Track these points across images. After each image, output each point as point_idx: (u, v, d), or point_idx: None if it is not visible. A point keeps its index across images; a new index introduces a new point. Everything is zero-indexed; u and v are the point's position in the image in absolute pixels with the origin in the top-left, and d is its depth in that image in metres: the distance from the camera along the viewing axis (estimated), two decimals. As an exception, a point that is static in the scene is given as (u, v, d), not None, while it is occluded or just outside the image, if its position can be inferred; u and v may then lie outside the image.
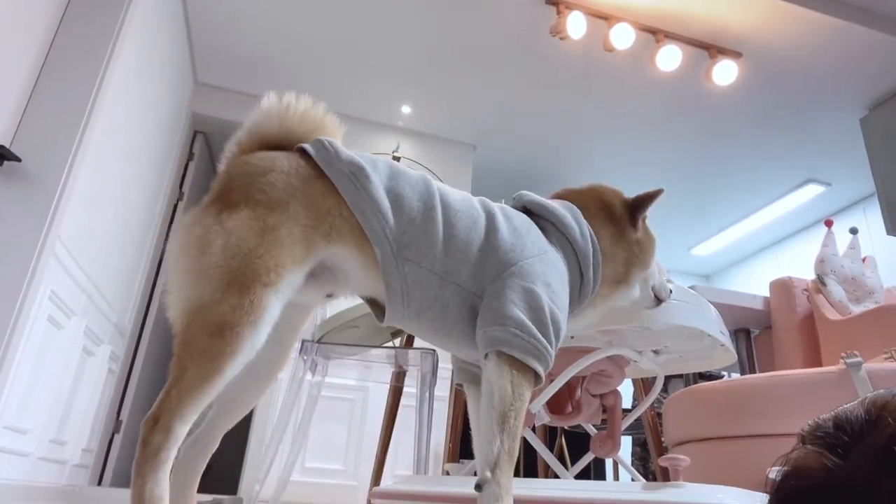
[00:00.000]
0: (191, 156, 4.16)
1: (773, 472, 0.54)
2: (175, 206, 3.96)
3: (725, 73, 3.53)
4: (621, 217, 1.12)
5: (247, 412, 1.01)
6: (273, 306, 0.85)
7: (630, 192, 1.18)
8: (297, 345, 2.30)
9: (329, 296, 1.01)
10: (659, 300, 1.21)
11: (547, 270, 0.97)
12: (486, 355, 0.92)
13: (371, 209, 0.92)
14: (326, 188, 0.93)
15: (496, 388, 0.89)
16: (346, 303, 1.09)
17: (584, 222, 1.08)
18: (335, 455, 3.53)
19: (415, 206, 0.95)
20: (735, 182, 4.83)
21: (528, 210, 1.11)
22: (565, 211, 1.09)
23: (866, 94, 3.79)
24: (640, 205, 1.13)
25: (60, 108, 2.23)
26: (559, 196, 1.18)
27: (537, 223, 1.08)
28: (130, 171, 2.99)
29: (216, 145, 4.39)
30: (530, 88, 3.96)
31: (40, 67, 2.24)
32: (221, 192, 0.91)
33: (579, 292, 1.06)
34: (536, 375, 0.92)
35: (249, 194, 0.89)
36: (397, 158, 4.30)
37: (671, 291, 1.24)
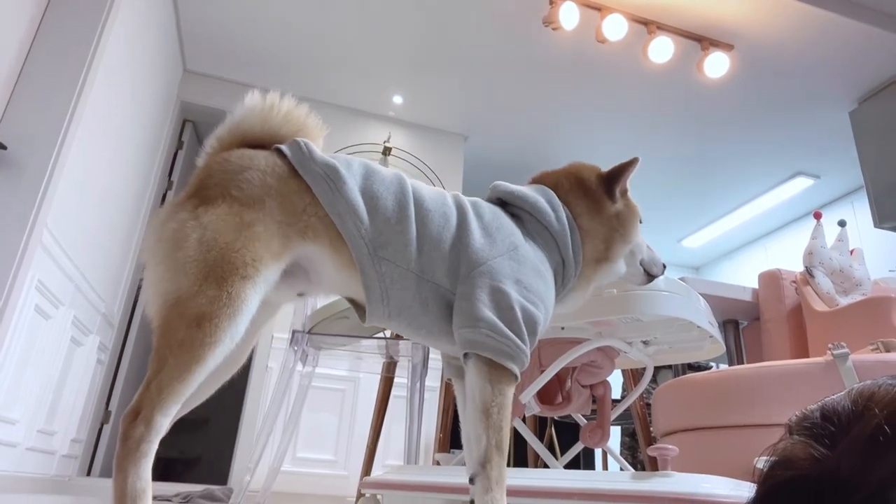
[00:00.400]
0: (180, 144, 4.12)
1: (761, 462, 0.55)
2: (164, 196, 3.93)
3: (717, 65, 3.54)
4: (596, 190, 1.11)
5: (196, 405, 0.99)
6: (251, 299, 0.86)
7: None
8: (288, 335, 2.29)
9: (300, 294, 1.02)
10: (650, 275, 1.19)
11: (517, 266, 0.97)
12: (465, 356, 0.93)
13: (347, 211, 0.93)
14: (302, 187, 0.94)
15: (476, 389, 0.91)
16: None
17: (559, 204, 1.07)
18: (326, 445, 3.54)
19: (390, 206, 0.96)
20: (725, 174, 4.85)
21: (503, 201, 1.10)
22: (539, 196, 1.08)
23: (856, 88, 3.81)
24: (614, 176, 1.11)
25: (47, 96, 2.20)
26: (536, 180, 1.17)
27: (513, 213, 1.07)
28: (119, 160, 2.96)
29: (205, 134, 4.34)
30: (522, 79, 3.95)
31: (26, 53, 2.21)
32: (198, 188, 0.92)
33: (563, 276, 1.06)
34: (514, 373, 0.93)
35: (226, 190, 0.90)
36: (388, 149, 4.30)
37: (664, 267, 1.21)
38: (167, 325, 0.83)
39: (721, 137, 4.40)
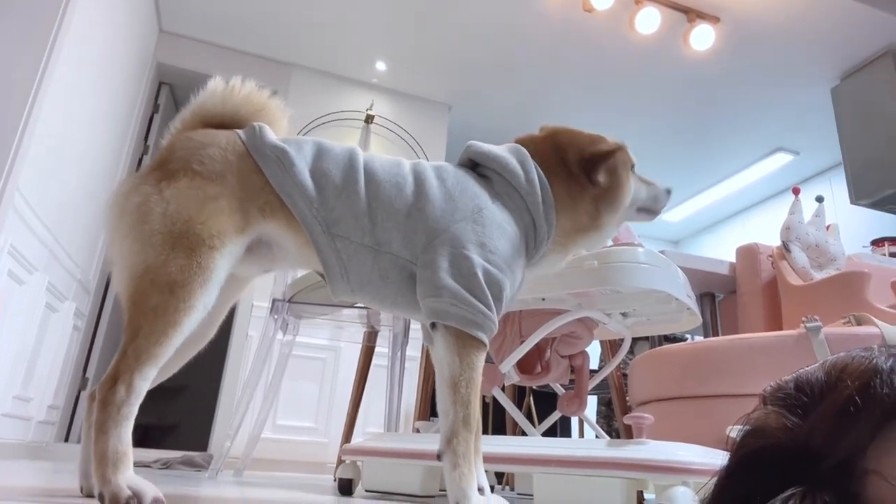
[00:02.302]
0: (156, 108, 4.02)
1: (734, 431, 0.56)
2: (140, 160, 3.84)
3: (703, 38, 3.52)
4: (577, 171, 1.07)
5: (168, 376, 1.00)
6: (220, 268, 0.88)
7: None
8: (268, 304, 2.28)
9: (267, 270, 1.06)
10: (655, 212, 1.18)
11: (480, 230, 0.97)
12: (433, 326, 0.94)
13: (296, 192, 0.95)
14: (259, 166, 0.97)
15: (445, 362, 0.92)
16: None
17: (532, 165, 1.05)
18: (307, 413, 3.56)
19: (339, 181, 0.98)
20: (706, 149, 4.88)
21: (475, 162, 1.08)
22: (510, 156, 1.06)
23: (839, 64, 3.82)
24: (593, 164, 1.07)
25: (15, 57, 2.12)
26: (519, 141, 1.14)
27: (483, 174, 1.06)
28: (93, 123, 2.88)
29: (182, 97, 4.24)
30: (508, 48, 3.89)
31: (-8, 9, 2.11)
32: (161, 162, 0.94)
33: (534, 239, 1.04)
34: (482, 341, 0.94)
35: (188, 165, 0.92)
36: (371, 117, 4.23)
37: (669, 192, 1.18)
38: (139, 293, 0.85)
39: (704, 111, 4.40)
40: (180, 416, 4.33)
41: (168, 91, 4.10)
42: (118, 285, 0.89)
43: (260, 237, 0.97)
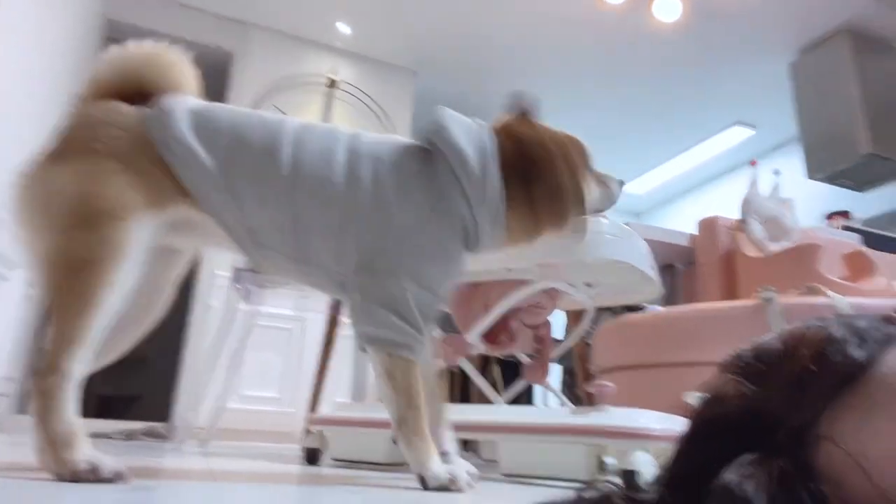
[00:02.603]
0: (107, 69, 3.83)
1: (691, 398, 0.57)
2: (93, 124, 3.67)
3: (668, 9, 3.53)
4: (535, 191, 1.06)
5: (122, 353, 0.98)
6: (132, 241, 0.85)
7: (568, 129, 1.10)
8: (230, 273, 2.24)
9: (206, 244, 1.06)
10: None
11: (414, 251, 0.96)
12: (364, 348, 0.98)
13: (215, 196, 0.91)
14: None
15: (377, 362, 0.96)
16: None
17: (494, 169, 0.99)
18: (272, 383, 3.54)
19: (258, 186, 0.93)
20: (667, 121, 4.93)
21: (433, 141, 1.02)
22: (467, 146, 0.99)
23: (798, 38, 3.89)
24: (560, 201, 1.07)
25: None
26: (497, 127, 1.07)
27: (436, 153, 1.01)
28: (34, 86, 2.73)
29: (138, 59, 4.06)
30: (474, 14, 3.83)
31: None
32: (61, 144, 0.90)
33: (476, 235, 1.01)
34: (411, 359, 0.97)
35: (87, 144, 0.88)
36: (334, 82, 4.13)
37: (621, 184, 1.20)
38: (50, 276, 0.83)
39: (665, 84, 4.44)
40: (142, 388, 4.26)
41: (121, 51, 3.91)
42: (33, 275, 0.87)
43: (185, 218, 0.93)
